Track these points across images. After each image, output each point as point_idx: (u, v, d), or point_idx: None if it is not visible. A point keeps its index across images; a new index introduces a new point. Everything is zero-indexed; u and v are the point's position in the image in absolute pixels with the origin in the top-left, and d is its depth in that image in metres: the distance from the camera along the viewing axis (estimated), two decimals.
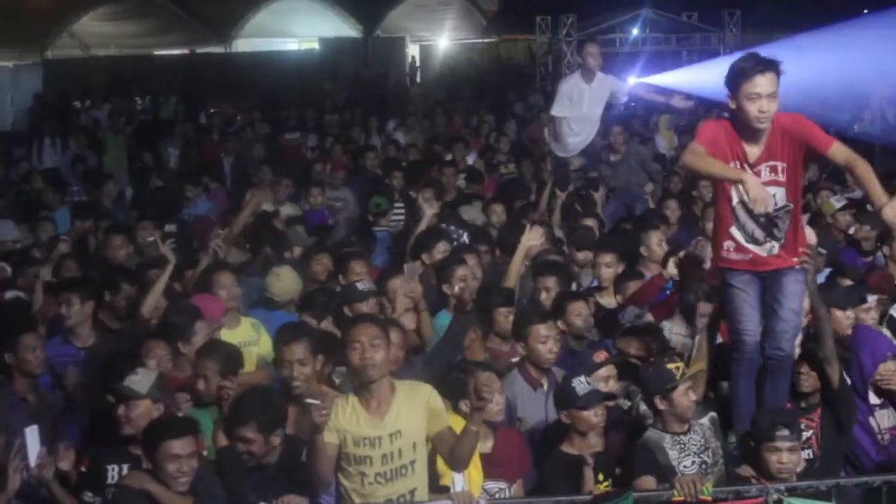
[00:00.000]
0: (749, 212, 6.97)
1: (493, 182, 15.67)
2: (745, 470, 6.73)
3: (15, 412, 7.18)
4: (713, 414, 7.14)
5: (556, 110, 13.88)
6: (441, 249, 9.88)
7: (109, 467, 6.58)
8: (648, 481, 6.58)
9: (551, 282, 9.26)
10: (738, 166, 6.90)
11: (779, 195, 6.95)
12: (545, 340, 7.79)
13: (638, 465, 6.70)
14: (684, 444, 6.85)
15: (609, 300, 9.46)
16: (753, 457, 6.70)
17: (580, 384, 6.96)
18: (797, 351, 7.46)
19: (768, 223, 7.02)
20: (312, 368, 7.13)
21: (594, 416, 6.92)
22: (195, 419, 6.67)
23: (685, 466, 6.75)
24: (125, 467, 6.57)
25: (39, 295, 9.46)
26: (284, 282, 9.47)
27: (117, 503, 6.32)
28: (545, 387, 7.77)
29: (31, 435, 6.21)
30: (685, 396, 6.89)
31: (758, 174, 6.88)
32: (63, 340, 8.63)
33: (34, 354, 7.67)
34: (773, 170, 6.96)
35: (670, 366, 6.96)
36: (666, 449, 6.81)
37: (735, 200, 7.03)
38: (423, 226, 10.90)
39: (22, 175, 17.00)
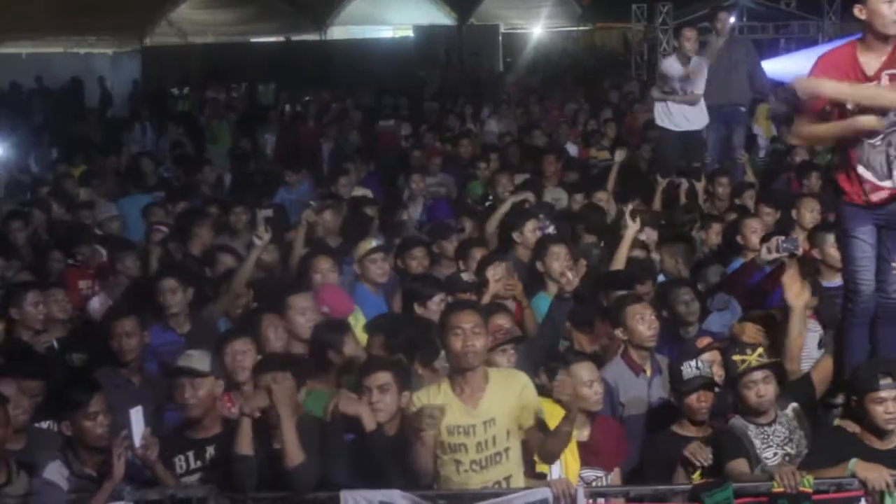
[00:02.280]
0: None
1: None
2: (849, 425, 6.64)
3: (120, 394, 7.27)
4: (796, 405, 6.99)
5: (655, 93, 13.92)
6: (530, 228, 10.08)
7: (175, 459, 6.68)
8: (741, 463, 6.51)
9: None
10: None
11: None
12: (643, 317, 7.77)
13: (728, 449, 6.62)
14: (768, 435, 6.75)
15: None
16: (857, 411, 6.59)
17: (688, 368, 6.94)
18: None
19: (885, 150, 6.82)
20: None
21: (696, 401, 6.89)
22: None
23: (767, 458, 6.67)
24: (190, 455, 6.69)
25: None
26: None
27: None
28: (648, 373, 7.75)
29: (136, 416, 6.30)
30: (750, 390, 6.75)
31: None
32: (164, 328, 8.70)
33: (127, 340, 7.74)
34: (893, 78, 6.70)
35: (736, 357, 6.85)
36: (751, 437, 6.73)
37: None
38: (504, 209, 11.11)
39: (121, 159, 17.30)
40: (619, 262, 9.48)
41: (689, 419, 6.94)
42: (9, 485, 6.37)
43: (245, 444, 6.27)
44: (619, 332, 7.84)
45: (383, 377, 6.58)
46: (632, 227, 9.67)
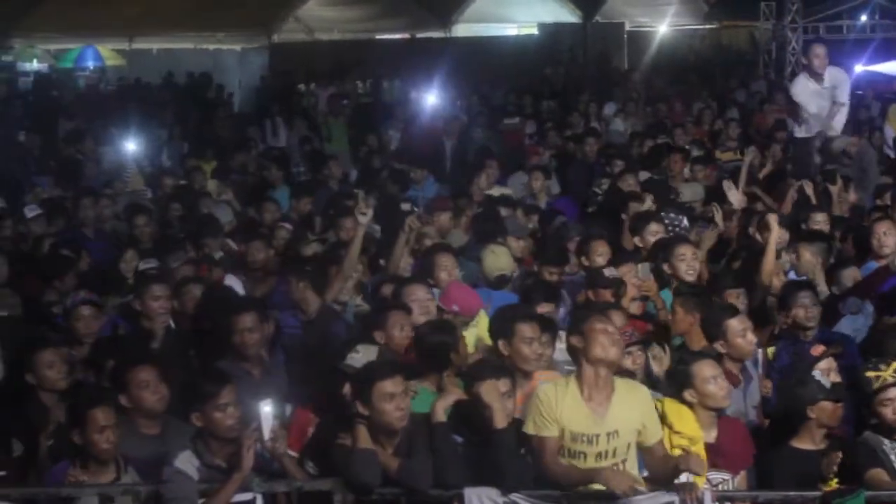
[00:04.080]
0: None
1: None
2: None
3: (240, 386, 7.31)
4: None
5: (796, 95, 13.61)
6: (652, 231, 9.92)
7: None
8: (880, 473, 6.42)
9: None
10: None
11: None
12: (743, 333, 7.65)
13: (866, 459, 6.54)
14: None
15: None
16: None
17: (824, 378, 6.84)
18: None
19: None
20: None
21: (840, 408, 6.81)
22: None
23: None
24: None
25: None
26: (501, 259, 9.59)
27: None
28: (742, 383, 7.65)
29: (265, 408, 6.37)
30: (886, 408, 6.64)
31: None
32: (293, 313, 9.00)
33: (245, 336, 7.83)
34: None
35: (870, 374, 6.74)
36: (886, 452, 6.62)
37: None
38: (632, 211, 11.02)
39: (251, 155, 17.51)
40: (767, 267, 9.19)
41: (819, 430, 6.80)
42: (118, 480, 6.52)
43: (364, 440, 6.33)
44: (718, 346, 7.67)
45: (504, 384, 6.58)
46: (775, 232, 9.47)
